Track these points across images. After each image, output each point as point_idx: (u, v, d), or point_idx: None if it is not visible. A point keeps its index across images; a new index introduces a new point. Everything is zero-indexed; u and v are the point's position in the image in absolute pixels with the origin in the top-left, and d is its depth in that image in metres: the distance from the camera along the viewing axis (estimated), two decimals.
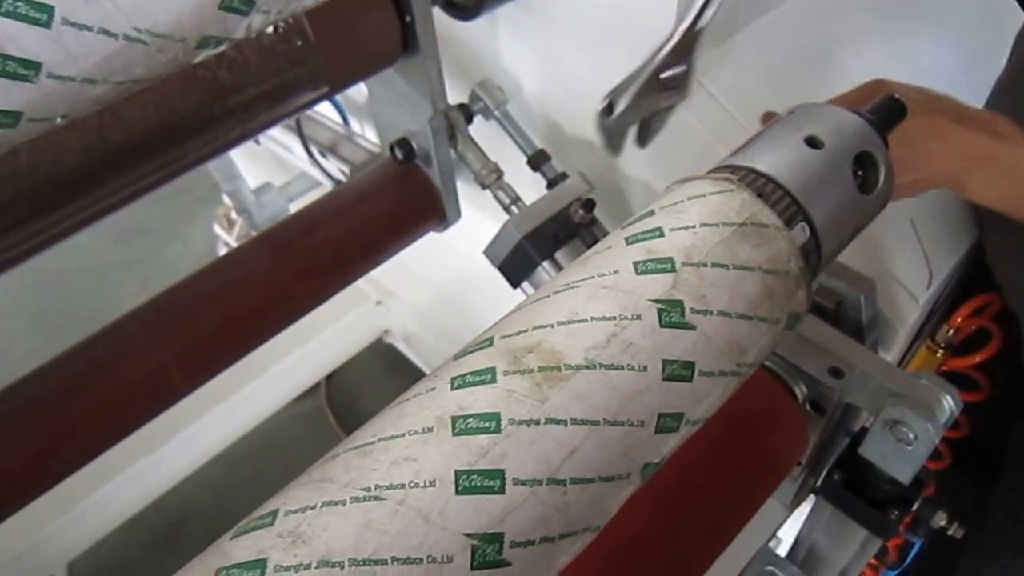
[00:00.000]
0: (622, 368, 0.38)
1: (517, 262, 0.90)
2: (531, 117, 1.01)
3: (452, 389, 0.38)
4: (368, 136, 1.31)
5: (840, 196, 0.50)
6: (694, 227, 0.44)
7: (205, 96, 0.69)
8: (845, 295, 0.73)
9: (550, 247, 0.89)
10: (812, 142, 0.51)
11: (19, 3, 0.36)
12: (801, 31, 0.91)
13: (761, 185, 0.48)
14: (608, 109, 0.82)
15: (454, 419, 0.36)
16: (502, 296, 1.44)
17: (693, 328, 0.41)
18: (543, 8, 0.94)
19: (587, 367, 0.38)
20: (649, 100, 0.83)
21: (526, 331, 0.40)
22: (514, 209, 0.92)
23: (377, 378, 1.96)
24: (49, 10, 0.37)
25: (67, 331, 2.08)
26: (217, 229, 2.21)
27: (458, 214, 0.98)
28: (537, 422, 0.36)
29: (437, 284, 1.62)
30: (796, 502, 0.82)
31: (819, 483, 0.75)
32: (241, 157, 1.64)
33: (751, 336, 0.43)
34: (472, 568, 0.33)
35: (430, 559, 0.33)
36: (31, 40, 0.37)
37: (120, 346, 0.81)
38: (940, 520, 0.73)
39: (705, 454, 0.66)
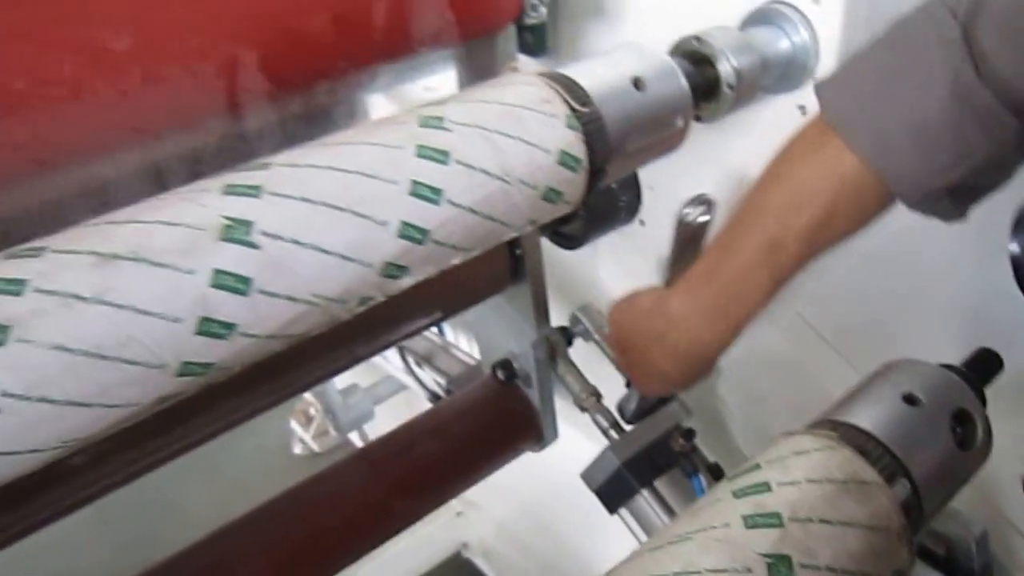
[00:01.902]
0: None
1: (615, 488, 0.96)
2: None
3: None
4: (462, 345, 1.42)
5: (940, 453, 0.57)
6: (799, 482, 0.52)
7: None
8: (955, 540, 0.77)
9: (649, 475, 0.95)
10: (910, 399, 0.58)
11: (227, 276, 0.47)
12: (895, 264, 0.99)
13: (862, 442, 0.55)
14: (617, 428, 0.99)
15: None
16: (595, 515, 1.49)
17: None
18: (642, 236, 1.05)
19: None
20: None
21: None
22: (612, 433, 1.00)
23: None
24: (248, 281, 0.48)
25: (137, 521, 2.16)
26: (294, 425, 2.33)
27: (555, 435, 1.06)
28: None
29: (523, 497, 1.67)
30: None
31: None
32: None
33: None
34: None
35: None
36: (231, 306, 0.48)
37: (217, 557, 0.90)
38: None
39: None
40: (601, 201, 0.97)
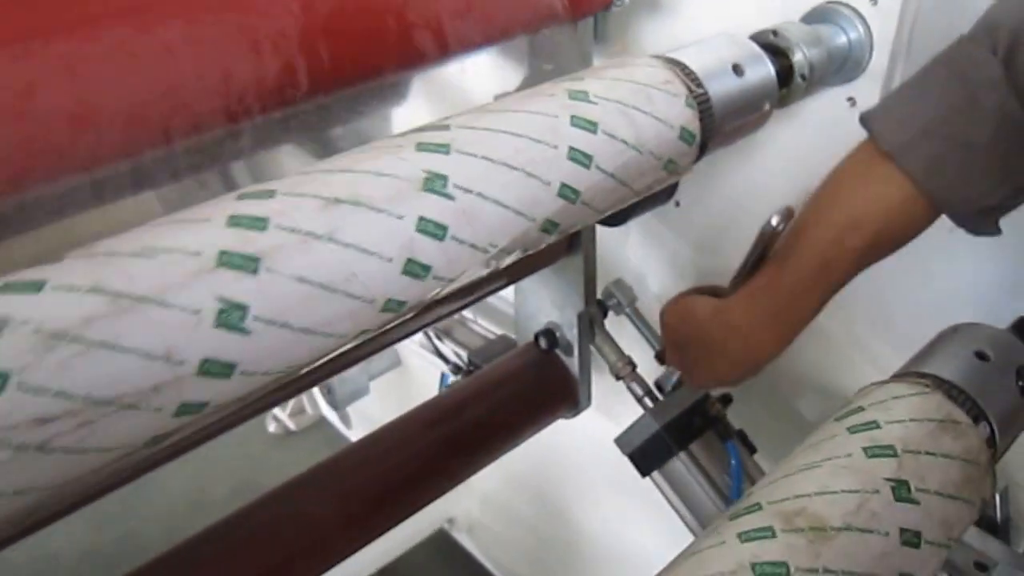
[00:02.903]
0: (872, 532, 0.52)
1: (652, 451, 1.03)
2: (653, 314, 1.17)
3: (742, 542, 0.52)
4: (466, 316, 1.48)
5: (1009, 401, 0.65)
6: (905, 421, 0.59)
7: None
8: None
9: (685, 438, 1.02)
10: (981, 355, 0.66)
11: (428, 223, 0.53)
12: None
13: (948, 389, 0.63)
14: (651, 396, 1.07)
15: (752, 564, 0.50)
16: (583, 483, 1.56)
17: (918, 503, 0.55)
18: (676, 217, 1.12)
19: (846, 529, 0.52)
20: None
21: (789, 499, 0.54)
22: (647, 401, 1.07)
23: (433, 571, 2.04)
24: (445, 229, 0.54)
25: (112, 501, 2.15)
26: None
27: (589, 402, 1.13)
28: (816, 571, 0.50)
29: (510, 468, 1.73)
30: None
31: None
32: None
33: (958, 515, 0.57)
34: None
35: None
36: (430, 250, 0.53)
37: (290, 508, 0.94)
38: None
39: None
40: None
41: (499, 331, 1.39)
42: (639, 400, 1.07)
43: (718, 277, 0.90)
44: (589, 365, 1.11)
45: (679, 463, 1.03)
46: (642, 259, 1.18)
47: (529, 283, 1.08)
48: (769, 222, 0.75)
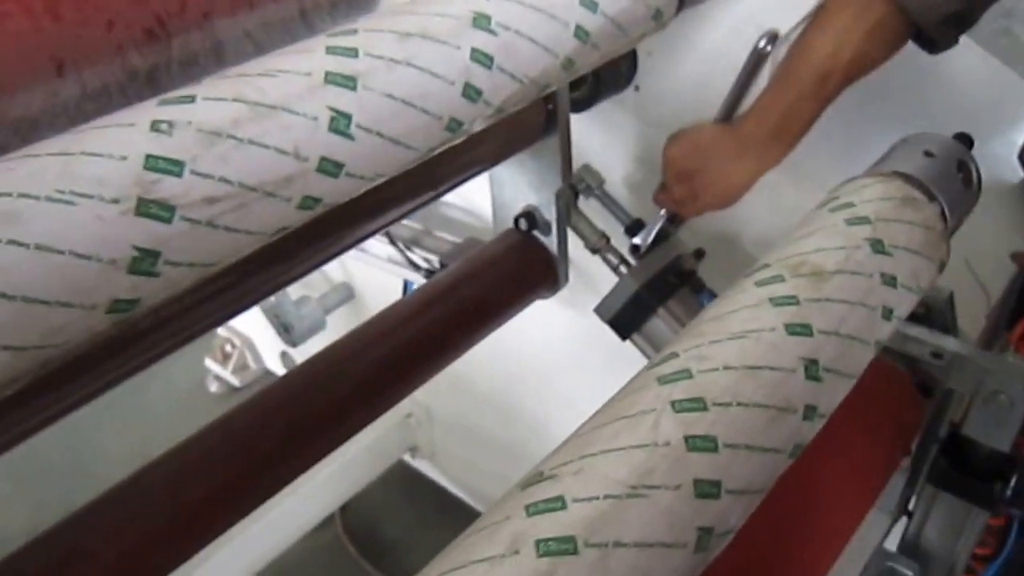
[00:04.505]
0: (859, 274, 0.70)
1: (632, 312, 1.20)
2: (619, 195, 1.34)
3: (756, 287, 0.68)
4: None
5: (952, 187, 0.84)
6: (874, 200, 0.77)
7: None
8: (931, 302, 1.05)
9: (663, 296, 1.19)
10: (928, 154, 0.85)
11: (479, 54, 0.68)
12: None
13: (905, 177, 0.81)
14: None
15: (771, 299, 0.66)
16: (553, 393, 1.71)
17: (891, 256, 0.72)
18: (635, 101, 1.29)
19: (839, 272, 0.69)
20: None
21: (791, 256, 0.71)
22: (622, 269, 1.23)
23: (395, 502, 2.17)
24: (492, 59, 0.68)
25: (44, 476, 2.21)
26: (209, 363, 2.45)
27: (567, 279, 1.29)
28: (818, 300, 0.67)
29: (474, 388, 1.87)
30: (903, 502, 1.10)
31: (927, 469, 1.04)
32: None
33: (923, 267, 0.75)
34: (805, 379, 0.63)
35: (777, 367, 0.62)
36: (481, 77, 0.68)
37: (297, 394, 1.08)
38: None
39: (846, 427, 0.95)
40: (606, 66, 1.20)
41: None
42: (615, 269, 1.24)
43: None
44: (566, 243, 1.26)
45: (658, 321, 1.20)
46: (605, 146, 1.34)
47: (505, 171, 1.23)
48: (757, 44, 0.92)
